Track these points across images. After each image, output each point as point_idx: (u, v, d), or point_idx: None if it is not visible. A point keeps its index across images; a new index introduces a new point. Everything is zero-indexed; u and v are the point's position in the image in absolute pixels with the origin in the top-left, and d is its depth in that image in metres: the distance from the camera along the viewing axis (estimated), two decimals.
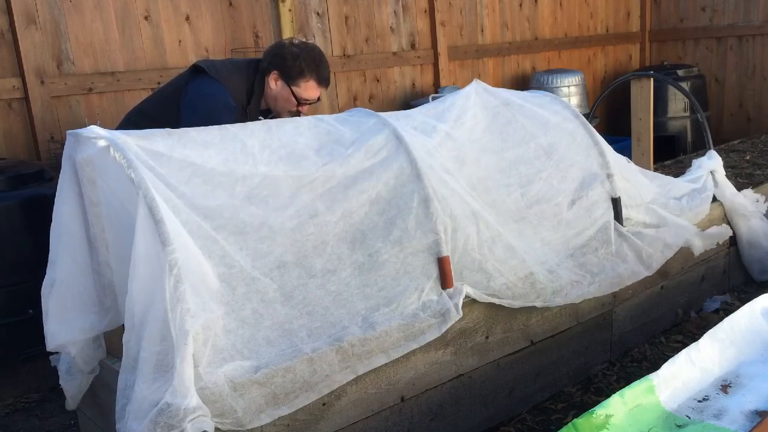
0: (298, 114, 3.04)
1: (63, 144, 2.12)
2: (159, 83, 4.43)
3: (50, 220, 2.12)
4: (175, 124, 2.62)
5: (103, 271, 2.15)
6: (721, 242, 3.45)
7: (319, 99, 3.10)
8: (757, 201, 3.65)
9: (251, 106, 3.03)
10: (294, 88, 2.98)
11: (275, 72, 2.97)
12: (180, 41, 4.55)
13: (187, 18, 4.57)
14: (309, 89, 3.00)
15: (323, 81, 3.03)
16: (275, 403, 1.98)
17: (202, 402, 1.82)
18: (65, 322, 2.11)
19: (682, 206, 3.23)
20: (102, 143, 1.98)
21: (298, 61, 2.96)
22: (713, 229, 3.37)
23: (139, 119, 2.94)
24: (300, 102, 3.02)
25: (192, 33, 4.60)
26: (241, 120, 2.81)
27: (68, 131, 2.09)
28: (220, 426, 1.87)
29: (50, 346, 2.12)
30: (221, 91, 2.88)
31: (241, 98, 2.98)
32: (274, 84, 2.99)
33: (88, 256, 2.14)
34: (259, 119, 2.93)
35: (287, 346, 2.05)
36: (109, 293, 2.16)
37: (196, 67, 2.96)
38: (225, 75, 2.95)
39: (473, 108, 2.85)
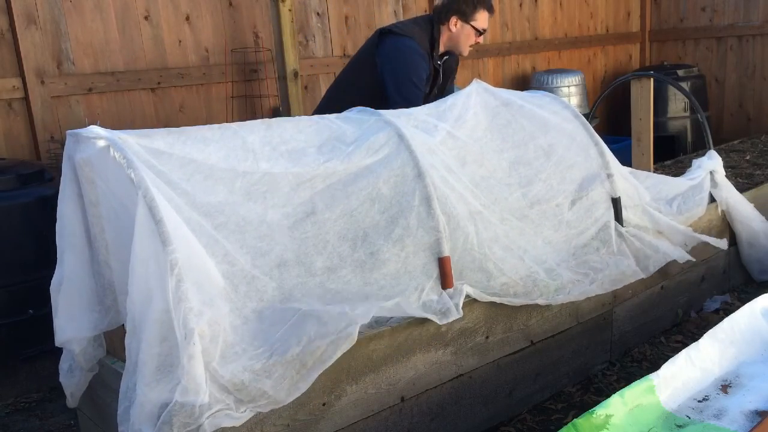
0: (475, 44, 3.69)
1: (63, 144, 2.12)
2: (159, 83, 4.44)
3: (51, 220, 2.14)
4: (371, 82, 3.42)
5: (103, 271, 2.15)
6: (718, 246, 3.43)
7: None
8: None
9: (435, 53, 3.59)
10: (473, 23, 3.56)
11: (454, 17, 3.54)
12: (180, 41, 4.54)
13: (187, 18, 4.57)
14: (483, 19, 3.60)
15: (491, 8, 3.64)
16: (305, 369, 1.98)
17: (224, 394, 1.83)
18: (72, 319, 2.13)
19: (672, 212, 3.20)
20: (101, 143, 1.98)
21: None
22: (711, 238, 3.34)
23: (337, 92, 3.64)
24: (479, 33, 3.60)
25: (192, 33, 4.60)
26: (430, 64, 3.50)
27: (68, 131, 2.09)
28: (259, 410, 1.89)
29: (58, 340, 2.15)
30: (412, 42, 3.44)
31: (426, 47, 3.53)
32: (455, 27, 3.56)
33: (89, 256, 2.15)
34: (439, 64, 3.61)
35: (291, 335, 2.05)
36: (110, 293, 2.16)
37: (382, 31, 3.49)
38: (410, 30, 3.49)
39: (474, 107, 2.85)
